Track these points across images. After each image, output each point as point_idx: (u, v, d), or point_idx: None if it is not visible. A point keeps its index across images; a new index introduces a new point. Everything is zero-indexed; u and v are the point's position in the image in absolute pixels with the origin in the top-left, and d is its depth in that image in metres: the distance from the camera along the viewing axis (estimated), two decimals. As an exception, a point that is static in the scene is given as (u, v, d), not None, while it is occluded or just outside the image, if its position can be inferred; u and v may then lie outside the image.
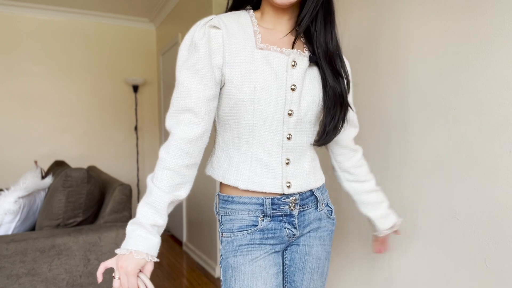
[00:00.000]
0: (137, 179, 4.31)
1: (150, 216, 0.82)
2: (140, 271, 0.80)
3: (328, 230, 1.04)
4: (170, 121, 0.87)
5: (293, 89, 0.88)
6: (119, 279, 0.78)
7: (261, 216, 0.91)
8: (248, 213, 0.91)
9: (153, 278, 2.78)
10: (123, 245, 0.80)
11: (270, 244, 0.93)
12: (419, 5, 1.34)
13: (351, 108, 1.01)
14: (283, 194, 0.92)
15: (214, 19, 0.86)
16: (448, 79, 1.24)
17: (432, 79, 1.29)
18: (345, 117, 0.96)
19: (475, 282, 1.17)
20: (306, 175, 0.96)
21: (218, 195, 0.97)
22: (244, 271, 0.89)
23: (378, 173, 1.54)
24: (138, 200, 4.29)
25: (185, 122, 0.85)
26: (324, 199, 1.02)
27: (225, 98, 0.88)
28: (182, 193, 0.87)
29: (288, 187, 0.92)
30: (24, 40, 3.80)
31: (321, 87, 0.93)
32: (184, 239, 3.56)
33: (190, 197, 3.37)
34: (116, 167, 4.22)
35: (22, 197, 1.85)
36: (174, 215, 3.90)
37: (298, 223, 0.95)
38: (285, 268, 1.02)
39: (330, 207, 1.05)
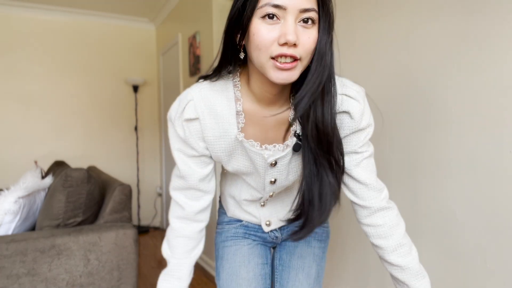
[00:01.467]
0: (137, 179, 4.31)
1: (170, 285, 0.92)
2: None
3: (317, 234, 1.06)
4: (177, 195, 0.90)
5: (272, 182, 0.90)
6: None
7: None
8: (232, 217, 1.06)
9: (153, 278, 2.78)
10: None
11: (253, 238, 1.04)
12: (419, 5, 1.34)
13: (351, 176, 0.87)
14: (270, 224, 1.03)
15: (188, 108, 0.79)
16: (448, 79, 1.24)
17: (432, 79, 1.29)
18: (328, 214, 0.83)
19: (475, 282, 1.17)
20: (286, 211, 1.00)
21: (220, 195, 1.13)
22: (230, 260, 1.00)
23: (377, 174, 1.54)
24: (138, 200, 4.29)
25: (193, 198, 0.90)
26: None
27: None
28: (197, 252, 0.95)
29: (268, 225, 1.02)
30: (24, 40, 3.80)
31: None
32: (184, 239, 3.56)
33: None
34: (116, 167, 4.22)
35: (22, 197, 1.85)
36: (174, 215, 3.90)
37: (281, 228, 1.05)
38: (275, 268, 1.07)
39: None
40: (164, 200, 4.26)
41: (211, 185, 0.91)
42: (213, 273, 2.79)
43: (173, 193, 0.91)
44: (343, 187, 0.89)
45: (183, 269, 0.92)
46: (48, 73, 3.91)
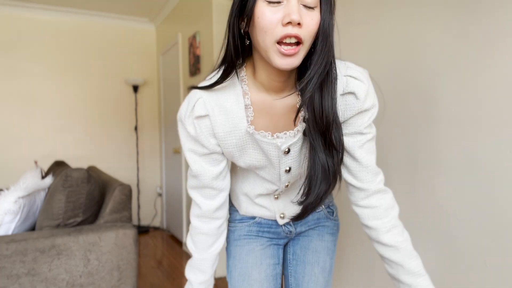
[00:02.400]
0: (137, 179, 4.31)
1: (196, 277, 0.97)
2: None
3: (329, 228, 1.07)
4: (194, 194, 0.94)
5: (287, 171, 0.90)
6: None
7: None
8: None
9: (153, 278, 2.78)
10: None
11: (266, 237, 1.03)
12: (419, 5, 1.33)
13: (339, 178, 0.87)
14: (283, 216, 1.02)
15: (198, 106, 0.81)
16: (448, 79, 1.24)
17: (432, 79, 1.29)
18: (328, 193, 0.84)
19: (475, 282, 1.17)
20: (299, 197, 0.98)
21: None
22: (242, 260, 1.01)
23: (378, 173, 1.54)
24: (138, 200, 4.29)
25: (209, 196, 0.92)
26: (324, 201, 1.04)
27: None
28: (218, 246, 0.98)
29: (282, 217, 1.01)
30: (24, 40, 3.80)
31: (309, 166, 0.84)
32: (184, 239, 3.56)
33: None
34: (116, 167, 4.22)
35: (22, 197, 1.85)
36: (174, 215, 3.90)
37: (294, 223, 1.04)
38: (289, 262, 1.08)
39: (332, 209, 1.07)
40: (164, 200, 4.26)
41: (226, 182, 0.92)
42: (217, 271, 2.79)
43: (190, 192, 0.94)
44: (342, 169, 0.90)
45: (205, 263, 0.96)
46: (48, 73, 3.91)
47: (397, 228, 0.88)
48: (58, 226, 1.72)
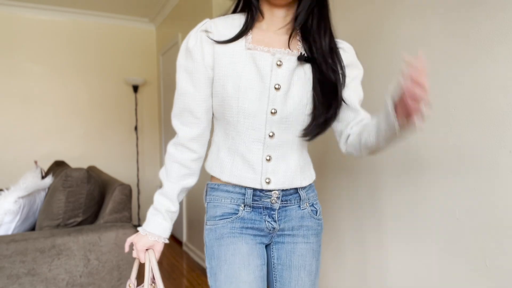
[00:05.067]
0: (137, 179, 4.31)
1: (165, 203, 0.97)
2: (150, 249, 0.97)
3: (313, 229, 1.03)
4: (174, 121, 0.98)
5: (277, 88, 0.90)
6: (133, 250, 0.98)
7: (242, 205, 0.96)
8: (231, 201, 0.96)
9: (153, 278, 2.77)
10: (144, 225, 0.97)
11: (251, 234, 0.97)
12: (419, 5, 1.34)
13: (344, 102, 0.96)
14: (267, 188, 0.95)
15: (206, 23, 0.93)
16: (448, 79, 1.24)
17: (432, 79, 1.29)
18: (335, 115, 0.95)
19: (475, 282, 1.17)
20: (290, 172, 0.97)
21: (207, 184, 1.03)
22: (228, 261, 0.94)
23: (377, 174, 1.54)
24: (138, 200, 4.29)
25: (186, 123, 0.96)
26: (309, 199, 1.02)
27: (214, 96, 0.95)
28: (190, 182, 1.00)
29: (268, 183, 0.95)
30: (24, 40, 3.80)
31: (311, 86, 0.93)
32: (184, 239, 3.56)
33: (190, 198, 3.37)
34: (116, 167, 4.22)
35: (22, 197, 1.85)
36: (174, 215, 3.90)
37: (278, 217, 0.98)
38: (273, 266, 1.03)
39: (316, 208, 1.04)
40: (164, 200, 4.26)
41: (207, 116, 0.97)
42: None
43: (172, 121, 0.98)
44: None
45: (174, 193, 0.98)
46: (48, 73, 3.91)
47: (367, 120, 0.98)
48: (58, 226, 1.72)
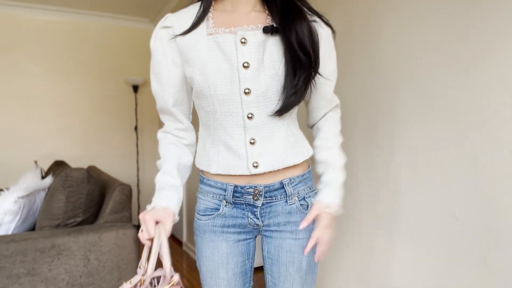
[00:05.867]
0: (137, 179, 4.31)
1: (165, 179, 0.94)
2: (159, 222, 0.87)
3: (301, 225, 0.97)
4: (160, 117, 1.01)
5: (246, 67, 0.85)
6: (142, 231, 0.86)
7: (224, 201, 0.94)
8: (213, 196, 0.95)
9: (153, 278, 2.78)
10: (152, 204, 0.90)
11: (232, 233, 0.96)
12: (419, 4, 1.33)
13: (319, 74, 0.91)
14: (247, 184, 0.92)
15: (167, 18, 0.91)
16: (448, 79, 1.24)
17: (432, 79, 1.29)
18: (309, 80, 0.88)
19: (475, 282, 1.17)
20: (280, 152, 0.91)
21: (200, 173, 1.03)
22: (208, 258, 0.97)
23: (377, 174, 1.54)
24: (138, 200, 4.29)
25: (168, 120, 0.99)
26: (298, 193, 0.95)
27: (193, 90, 0.94)
28: (186, 160, 0.99)
29: (256, 167, 0.90)
30: (24, 40, 3.80)
31: (284, 59, 0.87)
32: (184, 239, 3.56)
33: (190, 197, 3.37)
34: (116, 167, 4.22)
35: (22, 197, 1.85)
36: (174, 215, 3.90)
37: (261, 214, 0.94)
38: (264, 259, 1.02)
39: (307, 202, 0.97)
40: (164, 200, 4.26)
41: (184, 114, 0.98)
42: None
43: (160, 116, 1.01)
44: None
45: (172, 167, 0.96)
46: (48, 73, 3.90)
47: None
48: (58, 226, 1.72)
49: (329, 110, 1.02)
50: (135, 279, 0.82)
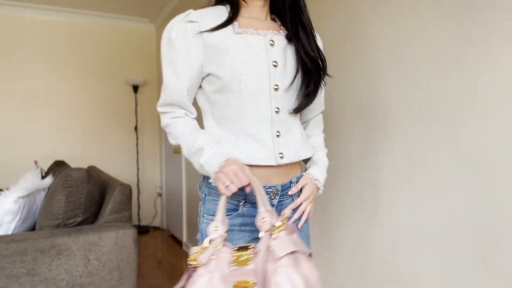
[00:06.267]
0: (137, 179, 4.31)
1: (211, 138, 0.94)
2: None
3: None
4: (161, 109, 1.00)
5: (275, 66, 0.95)
6: (229, 185, 0.82)
7: (243, 201, 0.96)
8: (232, 197, 0.94)
9: (153, 278, 2.78)
10: (211, 168, 0.88)
11: (248, 231, 0.98)
12: (419, 4, 1.34)
13: (327, 74, 1.06)
14: (266, 184, 0.96)
15: (191, 13, 0.95)
16: (448, 79, 1.24)
17: (432, 79, 1.29)
18: (320, 83, 1.02)
19: (475, 282, 1.17)
20: (298, 145, 1.01)
21: (204, 176, 1.00)
22: None
23: (377, 173, 1.54)
24: (138, 200, 4.29)
25: (172, 110, 0.98)
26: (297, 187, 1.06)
27: (209, 84, 0.96)
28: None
29: (281, 157, 0.96)
30: (24, 40, 3.80)
31: (300, 63, 0.99)
32: (184, 239, 3.56)
33: (190, 197, 3.37)
34: (116, 167, 4.22)
35: (22, 197, 1.85)
36: (174, 215, 3.90)
37: (277, 208, 1.01)
38: None
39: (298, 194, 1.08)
40: (164, 200, 4.26)
41: (191, 107, 1.00)
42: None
43: (159, 109, 1.00)
44: None
45: (213, 139, 0.94)
46: (48, 73, 3.91)
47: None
48: (58, 226, 1.72)
49: (320, 112, 1.18)
50: (215, 235, 0.82)
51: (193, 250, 0.80)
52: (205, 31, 0.92)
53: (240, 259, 0.78)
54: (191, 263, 0.78)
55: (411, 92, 1.39)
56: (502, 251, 1.09)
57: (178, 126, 0.96)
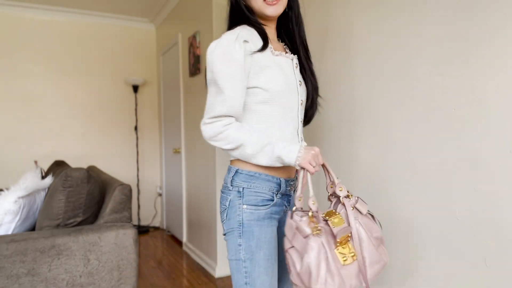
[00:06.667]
0: (137, 179, 4.31)
1: (274, 139, 1.08)
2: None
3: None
4: (211, 120, 1.05)
5: (300, 84, 1.17)
6: (315, 166, 1.01)
7: (277, 193, 1.11)
8: (269, 189, 1.10)
9: (153, 278, 2.78)
10: (292, 154, 1.02)
11: (275, 219, 1.12)
12: (420, 3, 1.33)
13: (320, 96, 1.27)
14: (289, 177, 1.14)
15: (241, 33, 1.05)
16: (448, 79, 1.24)
17: (433, 79, 1.29)
18: (316, 101, 1.24)
19: (475, 282, 1.17)
20: None
21: (237, 170, 1.11)
22: (267, 242, 1.08)
23: (377, 173, 1.54)
24: (138, 200, 4.29)
25: (226, 122, 1.05)
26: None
27: (256, 96, 1.08)
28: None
29: None
30: (24, 40, 3.80)
31: (309, 79, 1.21)
32: (184, 239, 3.56)
33: (190, 197, 3.37)
34: (116, 167, 4.22)
35: (22, 197, 1.85)
36: (174, 215, 3.90)
37: (290, 201, 1.18)
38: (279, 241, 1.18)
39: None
40: (164, 200, 4.26)
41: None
42: (213, 273, 2.79)
43: (210, 127, 1.05)
44: None
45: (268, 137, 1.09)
46: (48, 73, 3.91)
47: None
48: (58, 226, 1.72)
49: None
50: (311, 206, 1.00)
51: (305, 222, 0.96)
52: (256, 51, 1.06)
53: (335, 221, 0.98)
54: (316, 232, 0.94)
55: (412, 92, 1.39)
56: (502, 251, 1.09)
57: (235, 132, 1.04)
